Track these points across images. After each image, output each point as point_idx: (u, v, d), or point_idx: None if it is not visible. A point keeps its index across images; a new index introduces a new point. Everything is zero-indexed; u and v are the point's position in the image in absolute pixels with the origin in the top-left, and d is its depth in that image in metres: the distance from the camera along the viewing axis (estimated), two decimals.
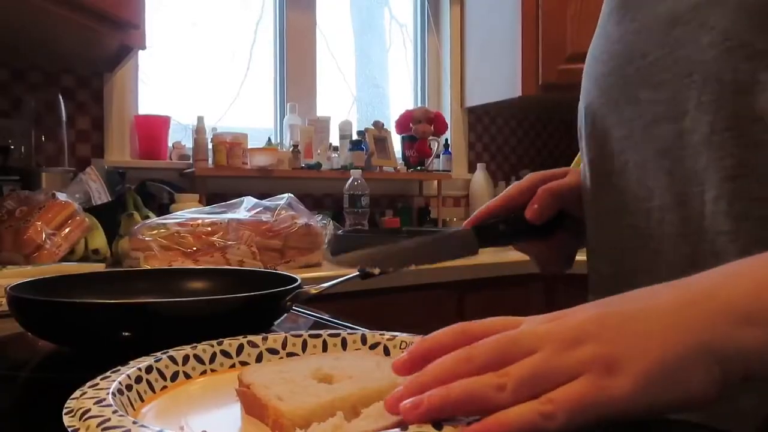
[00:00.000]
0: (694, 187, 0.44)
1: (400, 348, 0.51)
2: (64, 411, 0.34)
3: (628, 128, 0.49)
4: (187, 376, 0.45)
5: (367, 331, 0.53)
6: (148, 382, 0.42)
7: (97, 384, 0.37)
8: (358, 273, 0.64)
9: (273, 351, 0.51)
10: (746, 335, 0.29)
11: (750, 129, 0.39)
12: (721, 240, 0.42)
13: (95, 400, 0.34)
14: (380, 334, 0.52)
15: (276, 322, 0.66)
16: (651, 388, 0.29)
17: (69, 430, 0.32)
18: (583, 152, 0.57)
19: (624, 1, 0.49)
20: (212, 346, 0.48)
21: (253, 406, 0.38)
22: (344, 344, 0.52)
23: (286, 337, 0.51)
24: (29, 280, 0.66)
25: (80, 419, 0.32)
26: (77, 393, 0.37)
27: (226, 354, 0.48)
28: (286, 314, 0.67)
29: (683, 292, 0.31)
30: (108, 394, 0.35)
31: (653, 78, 0.46)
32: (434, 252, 0.57)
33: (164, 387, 0.43)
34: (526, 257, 0.69)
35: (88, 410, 0.33)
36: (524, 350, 0.31)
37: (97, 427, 0.31)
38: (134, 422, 0.31)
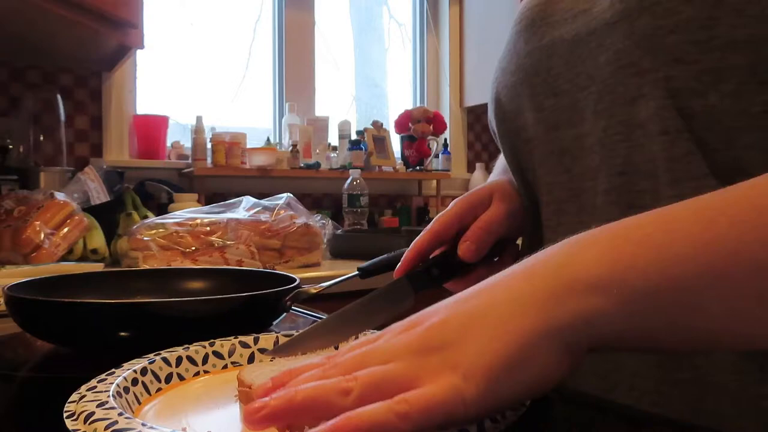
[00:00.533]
0: (588, 182, 0.50)
1: None
2: (66, 414, 0.34)
3: (533, 131, 0.55)
4: (181, 378, 0.45)
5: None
6: (144, 384, 0.41)
7: (95, 387, 0.37)
8: (357, 272, 0.64)
9: (264, 351, 0.51)
10: (591, 304, 0.30)
11: (634, 133, 0.46)
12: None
13: (97, 402, 0.34)
14: (372, 333, 0.52)
15: (275, 322, 0.66)
16: (497, 386, 0.29)
17: None
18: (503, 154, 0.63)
19: (532, 23, 0.55)
20: (204, 347, 0.48)
21: None
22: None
23: (277, 337, 0.51)
24: (27, 279, 0.66)
25: (85, 422, 0.32)
26: (75, 396, 0.36)
27: (218, 355, 0.48)
28: (285, 314, 0.67)
29: (526, 274, 0.32)
30: (109, 396, 0.35)
31: (556, 88, 0.52)
32: (366, 319, 0.55)
33: (159, 389, 0.43)
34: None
35: (92, 413, 0.33)
36: (377, 363, 0.31)
37: (105, 429, 0.31)
38: (143, 424, 0.31)
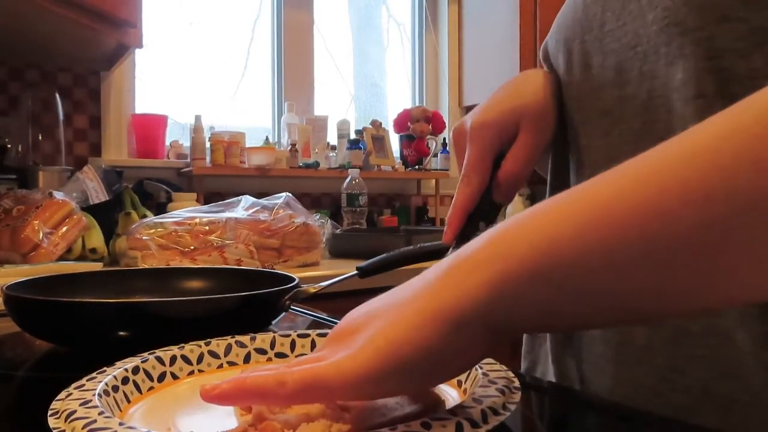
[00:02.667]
0: (627, 146, 0.48)
1: None
2: (49, 413, 0.34)
3: (578, 89, 0.53)
4: (175, 377, 0.45)
5: None
6: (135, 383, 0.41)
7: (83, 385, 0.37)
8: (356, 272, 0.64)
9: (261, 351, 0.50)
10: (472, 283, 0.29)
11: (671, 97, 0.44)
12: None
13: (81, 401, 0.34)
14: None
15: (274, 322, 0.66)
16: (381, 365, 0.30)
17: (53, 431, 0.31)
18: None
19: None
20: (200, 346, 0.48)
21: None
22: None
23: (274, 337, 0.51)
24: (26, 279, 0.66)
25: (65, 421, 0.32)
26: (62, 395, 0.36)
27: (213, 354, 0.48)
28: (284, 313, 0.67)
29: (437, 264, 0.33)
30: (94, 395, 0.35)
31: (605, 46, 0.50)
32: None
33: (151, 388, 0.43)
34: None
35: (74, 412, 0.33)
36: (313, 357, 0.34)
37: (82, 429, 0.31)
38: (120, 423, 0.31)
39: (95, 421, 0.31)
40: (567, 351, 0.56)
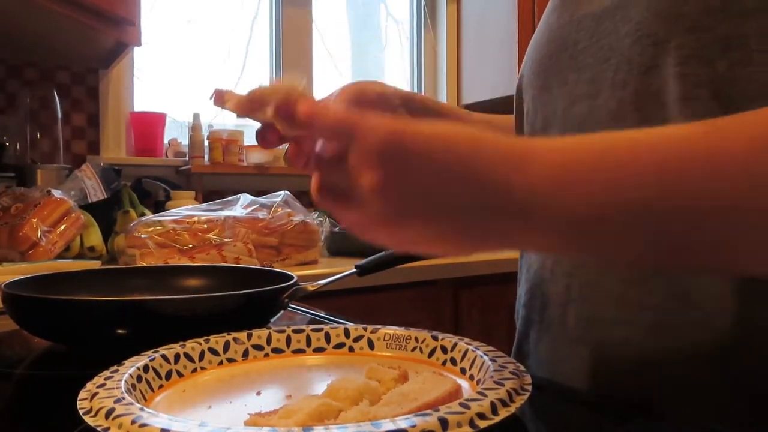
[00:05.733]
0: None
1: (384, 340, 0.51)
2: (82, 411, 0.34)
3: (554, 106, 0.56)
4: (180, 375, 0.45)
5: (350, 325, 0.53)
6: (147, 381, 0.42)
7: (105, 384, 0.38)
8: (355, 270, 0.64)
9: (258, 347, 0.51)
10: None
11: (645, 103, 0.47)
12: None
13: (114, 399, 0.35)
14: (363, 328, 0.52)
15: (272, 320, 0.66)
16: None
17: (99, 429, 0.32)
18: (518, 124, 0.64)
19: (565, 1, 0.57)
20: (200, 344, 0.48)
21: None
22: (327, 338, 0.52)
23: (270, 333, 0.52)
24: (24, 277, 0.66)
25: (107, 418, 0.32)
26: (84, 394, 0.37)
27: (213, 351, 0.49)
28: (282, 311, 0.67)
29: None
30: (123, 393, 0.36)
31: (580, 62, 0.53)
32: None
33: (161, 386, 0.43)
34: (519, 255, 0.69)
35: (113, 409, 0.33)
36: None
37: (131, 424, 0.31)
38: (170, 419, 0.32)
39: (141, 416, 0.32)
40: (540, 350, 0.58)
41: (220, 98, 0.48)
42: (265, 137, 0.47)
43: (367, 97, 0.57)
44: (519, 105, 0.64)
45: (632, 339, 0.48)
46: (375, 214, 0.35)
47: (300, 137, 0.44)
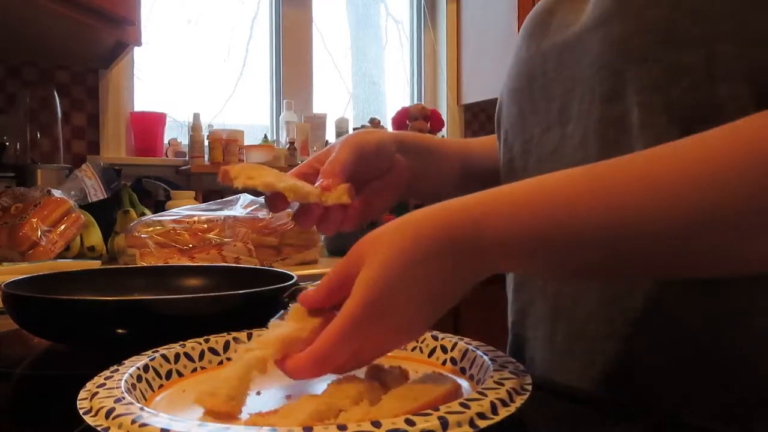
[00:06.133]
0: None
1: None
2: (82, 411, 0.34)
3: (530, 133, 0.59)
4: (180, 374, 0.45)
5: None
6: (147, 381, 0.42)
7: (105, 384, 0.38)
8: None
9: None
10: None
11: (609, 132, 0.49)
12: None
13: (114, 398, 0.35)
14: None
15: (272, 320, 0.66)
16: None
17: (99, 429, 0.32)
18: (500, 152, 0.66)
19: (532, 31, 0.60)
20: (200, 343, 0.48)
21: None
22: None
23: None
24: (24, 277, 0.66)
25: (107, 418, 0.32)
26: (84, 394, 0.37)
27: (213, 351, 0.49)
28: (282, 311, 0.67)
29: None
30: (123, 392, 0.36)
31: (549, 92, 0.56)
32: None
33: (161, 386, 0.43)
34: None
35: (113, 409, 0.33)
36: None
37: (131, 424, 0.31)
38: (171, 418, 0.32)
39: (141, 416, 0.32)
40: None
41: (227, 177, 0.52)
42: (274, 204, 0.54)
43: (367, 149, 0.58)
44: (498, 130, 0.67)
45: (610, 353, 0.50)
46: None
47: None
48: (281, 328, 0.41)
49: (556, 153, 0.55)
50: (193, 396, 0.38)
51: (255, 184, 0.51)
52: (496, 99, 0.68)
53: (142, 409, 0.33)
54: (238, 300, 0.60)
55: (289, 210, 0.58)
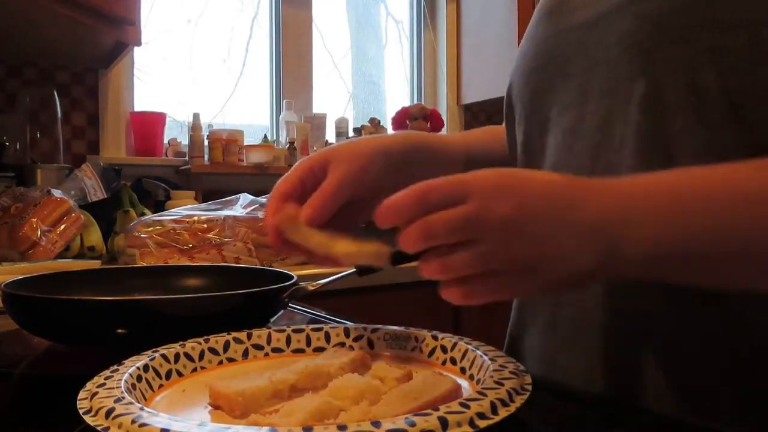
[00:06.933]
0: (587, 160, 0.53)
1: (384, 340, 0.52)
2: (82, 411, 0.34)
3: (546, 113, 0.58)
4: (180, 374, 0.45)
5: (350, 325, 0.53)
6: (147, 381, 0.42)
7: (104, 384, 0.38)
8: (355, 269, 0.64)
9: (258, 347, 0.51)
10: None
11: (634, 111, 0.48)
12: None
13: (114, 398, 0.35)
14: (363, 328, 0.53)
15: (272, 319, 0.66)
16: (553, 289, 0.44)
17: (99, 429, 0.32)
18: (509, 132, 0.66)
19: (549, 12, 0.60)
20: (200, 343, 0.48)
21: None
22: (327, 338, 0.52)
23: (269, 332, 0.52)
24: (24, 276, 0.66)
25: (107, 418, 0.32)
26: (84, 393, 0.37)
27: (213, 351, 0.49)
28: (282, 311, 0.67)
29: (597, 212, 0.40)
30: (123, 392, 0.36)
31: (568, 72, 0.55)
32: None
33: (161, 385, 0.43)
34: None
35: (113, 409, 0.33)
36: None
37: (131, 423, 0.31)
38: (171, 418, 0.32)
39: (141, 416, 0.32)
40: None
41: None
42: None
43: (358, 177, 0.56)
44: (510, 113, 0.66)
45: (619, 344, 0.49)
46: (500, 256, 0.38)
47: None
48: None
49: (574, 132, 0.54)
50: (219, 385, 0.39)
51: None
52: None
53: (142, 409, 0.33)
54: (238, 300, 0.60)
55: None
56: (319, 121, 2.30)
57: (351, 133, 2.29)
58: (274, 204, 0.53)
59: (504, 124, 0.68)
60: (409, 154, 0.60)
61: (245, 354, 0.50)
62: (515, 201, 0.38)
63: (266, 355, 0.51)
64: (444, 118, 2.54)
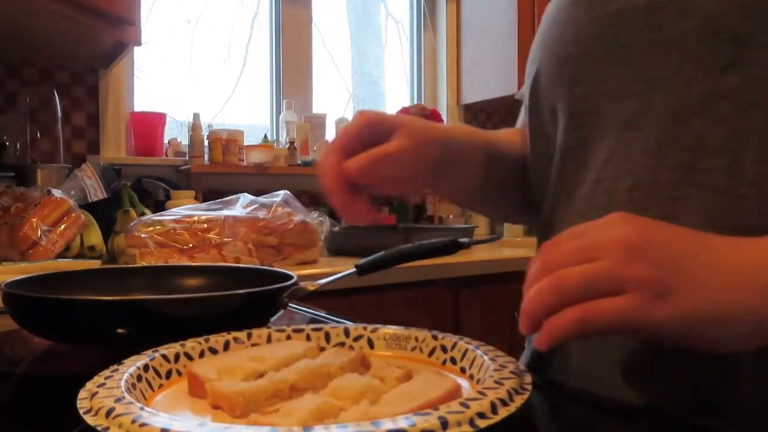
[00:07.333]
0: (650, 158, 0.47)
1: (384, 340, 0.52)
2: (82, 411, 0.34)
3: (593, 104, 0.52)
4: (179, 374, 0.45)
5: (350, 324, 0.53)
6: (147, 381, 0.42)
7: (104, 384, 0.38)
8: (354, 269, 0.64)
9: (258, 347, 0.51)
10: None
11: (715, 105, 0.44)
12: (672, 205, 0.46)
13: (114, 398, 0.35)
14: (363, 327, 0.53)
15: (272, 319, 0.66)
16: (687, 323, 0.34)
17: (99, 428, 0.32)
18: (534, 128, 0.60)
19: None
20: (200, 343, 0.48)
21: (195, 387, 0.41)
22: (327, 338, 0.52)
23: (270, 332, 0.52)
24: (24, 276, 0.66)
25: (107, 417, 0.32)
26: (84, 393, 0.37)
27: (213, 351, 0.49)
28: (282, 311, 0.67)
29: (746, 254, 0.36)
30: (123, 392, 0.36)
31: (624, 58, 0.49)
32: None
33: (161, 385, 0.43)
34: (519, 254, 0.69)
35: (113, 409, 0.33)
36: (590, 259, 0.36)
37: (132, 423, 0.31)
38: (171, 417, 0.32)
39: (141, 415, 0.32)
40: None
41: None
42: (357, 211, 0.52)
43: (385, 128, 0.53)
44: (535, 105, 0.60)
45: (631, 348, 0.47)
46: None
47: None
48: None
49: (632, 126, 0.49)
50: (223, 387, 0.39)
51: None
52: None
53: (142, 408, 0.33)
54: (238, 300, 0.60)
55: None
56: (319, 121, 2.30)
57: None
58: (338, 156, 0.51)
59: (526, 119, 0.63)
60: (453, 155, 0.58)
61: None
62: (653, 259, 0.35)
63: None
64: (444, 117, 2.53)
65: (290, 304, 0.75)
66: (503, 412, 0.34)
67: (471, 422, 0.32)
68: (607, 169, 0.51)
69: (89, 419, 0.33)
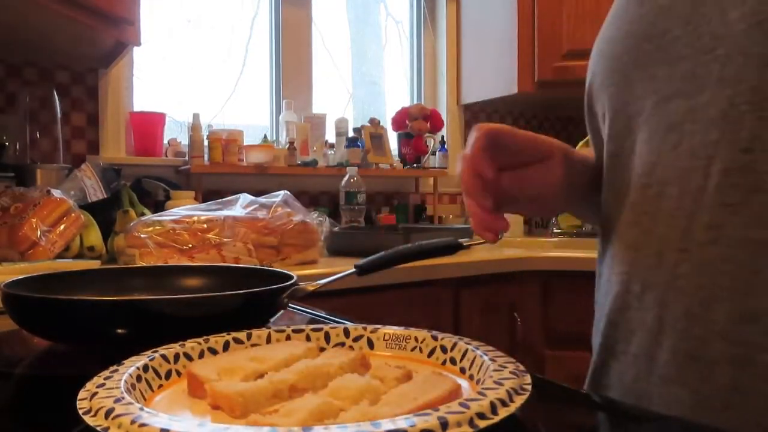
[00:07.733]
0: (699, 161, 0.44)
1: (383, 340, 0.52)
2: (82, 411, 0.34)
3: (640, 105, 0.50)
4: (179, 374, 0.45)
5: (350, 325, 0.53)
6: (147, 381, 0.42)
7: (104, 384, 0.38)
8: (354, 270, 0.64)
9: (258, 347, 0.51)
10: None
11: (765, 104, 0.40)
12: (722, 212, 0.43)
13: (114, 398, 0.35)
14: (363, 328, 0.53)
15: (272, 320, 0.66)
16: None
17: (98, 429, 0.32)
18: (594, 133, 0.58)
19: None
20: (199, 343, 0.48)
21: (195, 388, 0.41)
22: (327, 338, 0.52)
23: (269, 333, 0.52)
24: (24, 276, 0.66)
25: (106, 418, 0.32)
26: (84, 394, 0.37)
27: (213, 351, 0.49)
28: (282, 311, 0.67)
29: None
30: (122, 392, 0.36)
31: (672, 54, 0.46)
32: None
33: (160, 386, 0.43)
34: (519, 254, 0.69)
35: (112, 409, 0.33)
36: None
37: (131, 424, 0.31)
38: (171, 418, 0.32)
39: (141, 416, 0.32)
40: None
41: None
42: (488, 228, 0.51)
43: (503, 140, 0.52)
44: (591, 109, 0.58)
45: (743, 383, 0.42)
46: None
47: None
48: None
49: (677, 129, 0.46)
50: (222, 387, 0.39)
51: None
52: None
53: (141, 409, 0.33)
54: (238, 300, 0.60)
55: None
56: (318, 121, 2.30)
57: (351, 134, 2.29)
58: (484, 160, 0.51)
59: (587, 126, 0.61)
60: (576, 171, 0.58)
61: None
62: None
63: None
64: (444, 118, 2.54)
65: (290, 305, 0.75)
66: (503, 413, 0.34)
67: (471, 422, 0.32)
68: (658, 171, 0.48)
69: (89, 419, 0.33)
